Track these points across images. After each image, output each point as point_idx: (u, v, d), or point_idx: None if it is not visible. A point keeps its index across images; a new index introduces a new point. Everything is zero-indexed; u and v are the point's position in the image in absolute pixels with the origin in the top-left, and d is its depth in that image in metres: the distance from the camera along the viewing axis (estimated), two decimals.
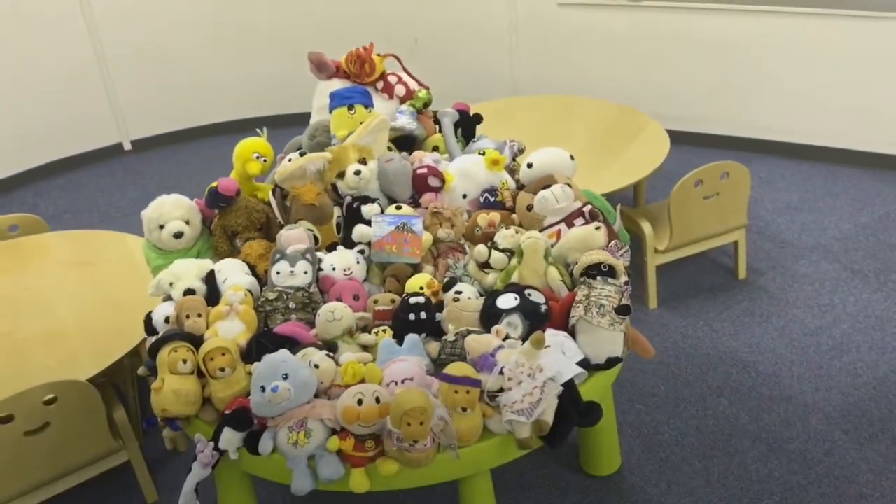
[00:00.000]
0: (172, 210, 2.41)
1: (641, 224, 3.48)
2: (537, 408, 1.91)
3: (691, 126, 4.87)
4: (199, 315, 2.15)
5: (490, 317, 2.09)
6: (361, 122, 2.55)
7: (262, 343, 2.08)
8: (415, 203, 2.54)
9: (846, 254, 3.83)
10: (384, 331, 2.16)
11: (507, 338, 2.06)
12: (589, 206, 2.38)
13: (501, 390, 1.94)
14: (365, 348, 2.15)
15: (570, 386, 2.00)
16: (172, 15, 5.29)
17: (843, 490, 2.64)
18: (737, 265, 3.72)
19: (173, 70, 5.43)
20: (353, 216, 2.41)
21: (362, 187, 2.43)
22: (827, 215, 4.14)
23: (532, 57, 5.13)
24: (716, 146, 4.84)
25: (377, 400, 1.88)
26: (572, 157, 2.59)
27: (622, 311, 2.07)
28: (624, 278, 2.18)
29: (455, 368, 1.90)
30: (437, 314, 2.19)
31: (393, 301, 2.23)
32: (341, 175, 2.42)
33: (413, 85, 2.87)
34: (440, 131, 2.82)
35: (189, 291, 2.24)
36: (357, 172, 2.39)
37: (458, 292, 2.23)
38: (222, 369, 2.01)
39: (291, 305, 2.20)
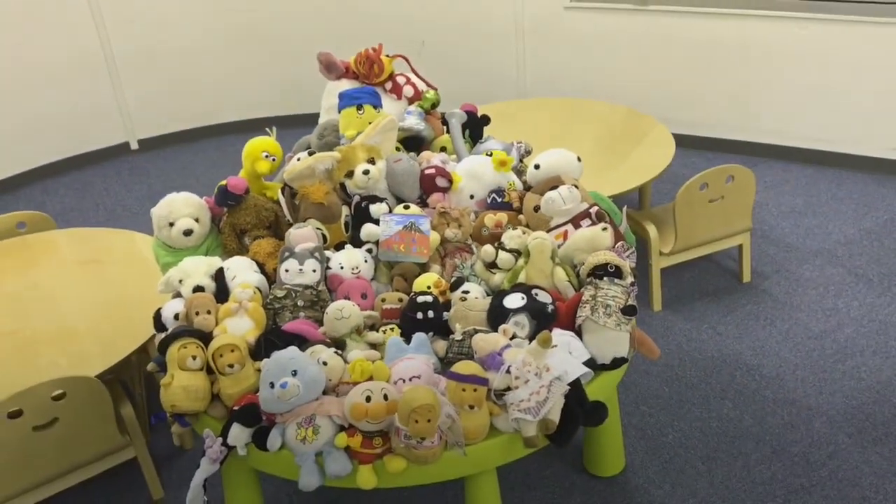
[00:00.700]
0: (182, 208, 2.42)
1: (646, 227, 3.49)
2: (544, 406, 1.92)
3: (697, 130, 4.89)
4: (209, 312, 2.17)
5: (497, 316, 2.10)
6: (370, 123, 2.56)
7: (270, 340, 2.09)
8: (422, 203, 2.55)
9: (850, 258, 3.84)
10: (392, 329, 2.17)
11: (513, 337, 2.07)
12: (595, 208, 2.40)
13: (508, 389, 1.96)
14: (373, 346, 2.16)
15: (576, 385, 2.01)
16: (180, 15, 5.32)
17: (847, 493, 2.65)
18: (741, 269, 3.73)
19: (181, 70, 5.45)
20: (362, 215, 2.42)
21: (371, 187, 2.45)
22: (832, 220, 4.15)
23: (539, 59, 5.15)
24: (722, 150, 4.86)
25: (385, 397, 1.89)
26: (579, 159, 2.61)
27: (628, 311, 2.08)
28: (630, 279, 2.19)
29: (462, 367, 1.92)
30: (445, 313, 2.20)
31: (401, 300, 2.25)
32: (350, 174, 2.43)
33: (421, 86, 2.88)
34: (448, 132, 2.83)
35: (198, 288, 2.26)
36: (366, 172, 2.41)
37: (466, 292, 2.24)
38: (231, 366, 2.02)
39: (300, 303, 2.21)
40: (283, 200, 2.43)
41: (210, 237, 2.52)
